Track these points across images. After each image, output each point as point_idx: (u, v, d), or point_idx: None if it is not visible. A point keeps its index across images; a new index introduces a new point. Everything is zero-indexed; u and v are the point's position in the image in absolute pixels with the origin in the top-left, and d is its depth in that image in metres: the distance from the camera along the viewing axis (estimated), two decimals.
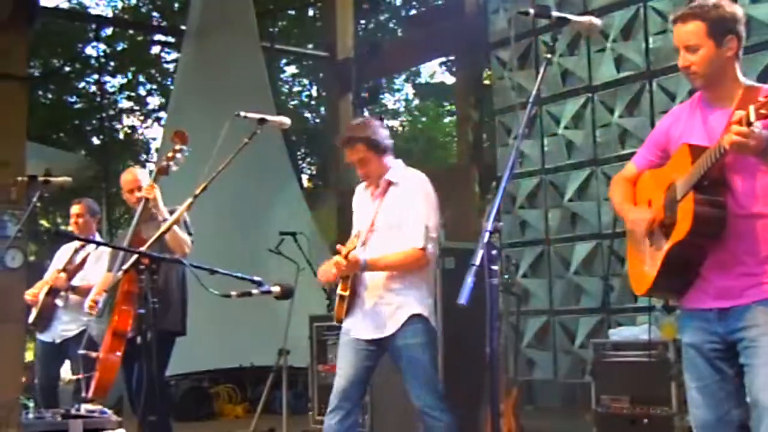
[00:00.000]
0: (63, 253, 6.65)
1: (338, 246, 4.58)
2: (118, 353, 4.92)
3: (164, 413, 5.44)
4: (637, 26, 8.39)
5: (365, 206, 4.77)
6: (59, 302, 6.40)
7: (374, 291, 4.58)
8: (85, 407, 4.60)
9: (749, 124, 2.83)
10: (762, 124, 2.90)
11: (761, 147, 2.91)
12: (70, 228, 6.70)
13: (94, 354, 5.06)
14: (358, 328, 4.63)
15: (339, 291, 4.67)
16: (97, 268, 6.22)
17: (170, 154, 5.10)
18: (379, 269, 4.55)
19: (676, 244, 3.19)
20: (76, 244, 6.51)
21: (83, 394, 5.03)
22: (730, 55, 3.25)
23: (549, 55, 3.32)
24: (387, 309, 4.54)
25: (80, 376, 5.32)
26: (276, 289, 4.10)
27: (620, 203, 3.59)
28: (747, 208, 3.18)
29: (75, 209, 6.65)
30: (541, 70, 3.27)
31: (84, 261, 6.37)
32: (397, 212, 4.58)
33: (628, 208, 3.52)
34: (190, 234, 5.46)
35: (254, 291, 4.06)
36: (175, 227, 4.93)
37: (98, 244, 6.37)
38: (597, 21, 3.37)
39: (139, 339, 4.05)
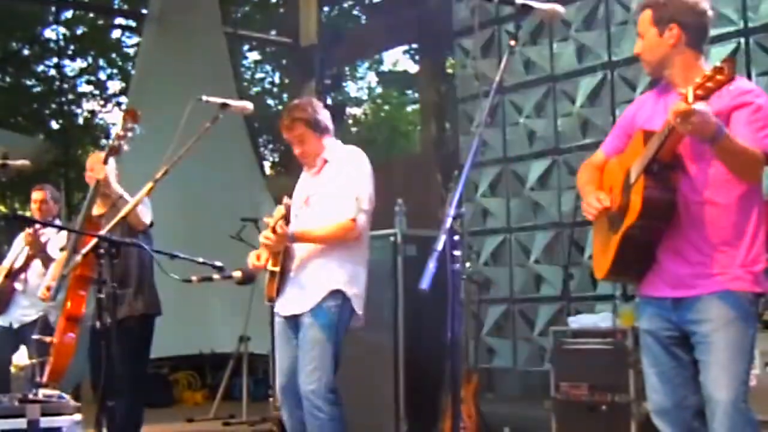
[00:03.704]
0: (22, 239, 6.57)
1: (265, 219, 4.53)
2: (72, 337, 4.86)
3: (141, 398, 5.38)
4: (599, 16, 8.44)
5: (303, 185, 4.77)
6: (18, 286, 6.34)
7: (301, 266, 4.53)
8: (42, 392, 4.55)
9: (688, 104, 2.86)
10: (712, 108, 2.94)
11: (704, 128, 2.94)
12: (30, 213, 6.63)
13: (48, 339, 5.02)
14: (282, 304, 4.58)
15: (270, 267, 4.58)
16: (57, 253, 6.16)
17: (121, 133, 4.97)
18: (307, 241, 4.50)
19: (628, 227, 3.25)
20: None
21: (38, 379, 4.98)
22: (672, 44, 3.31)
23: (512, 43, 3.32)
24: (308, 286, 4.48)
25: (34, 361, 5.26)
26: (237, 274, 4.10)
27: (583, 184, 3.63)
28: (700, 194, 3.24)
29: (37, 195, 6.58)
30: (504, 59, 3.28)
31: (44, 245, 6.31)
32: (329, 186, 4.56)
33: (587, 190, 3.54)
34: None
35: (215, 276, 4.05)
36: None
37: (59, 228, 6.31)
38: (560, 9, 3.39)
39: (98, 324, 4.02)
